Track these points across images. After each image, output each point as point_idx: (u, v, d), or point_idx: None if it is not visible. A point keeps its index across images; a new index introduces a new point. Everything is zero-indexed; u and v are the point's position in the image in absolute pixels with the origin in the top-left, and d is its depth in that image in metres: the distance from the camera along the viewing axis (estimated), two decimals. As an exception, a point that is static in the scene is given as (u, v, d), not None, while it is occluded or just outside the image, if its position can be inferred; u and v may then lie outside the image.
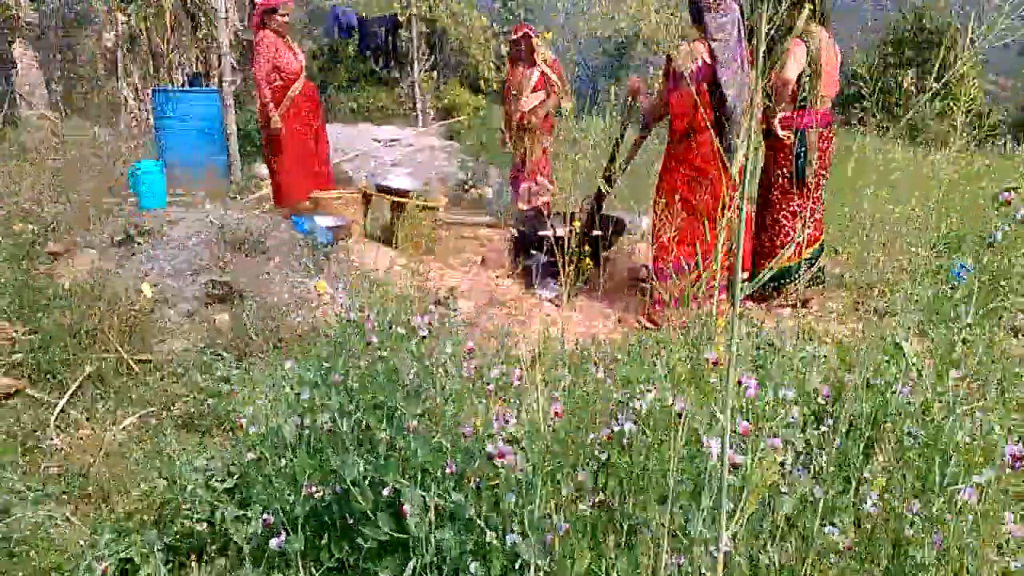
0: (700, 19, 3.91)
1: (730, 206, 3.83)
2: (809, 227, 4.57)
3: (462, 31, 17.30)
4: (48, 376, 3.00)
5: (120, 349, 3.24)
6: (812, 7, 4.35)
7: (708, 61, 3.89)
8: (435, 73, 17.71)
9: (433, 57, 16.56)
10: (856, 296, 4.93)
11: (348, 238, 5.43)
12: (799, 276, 4.60)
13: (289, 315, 3.77)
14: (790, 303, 4.63)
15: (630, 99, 4.71)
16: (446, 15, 15.66)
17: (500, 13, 22.73)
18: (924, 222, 6.70)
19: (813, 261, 4.63)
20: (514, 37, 6.68)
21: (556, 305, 4.77)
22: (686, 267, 4.22)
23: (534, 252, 5.24)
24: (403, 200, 5.81)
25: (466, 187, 8.25)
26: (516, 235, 5.27)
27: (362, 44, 11.40)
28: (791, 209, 4.51)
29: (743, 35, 3.96)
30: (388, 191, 5.89)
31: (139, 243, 4.05)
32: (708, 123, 3.95)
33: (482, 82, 20.56)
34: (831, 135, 4.52)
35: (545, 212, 5.50)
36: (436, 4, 14.84)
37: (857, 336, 4.11)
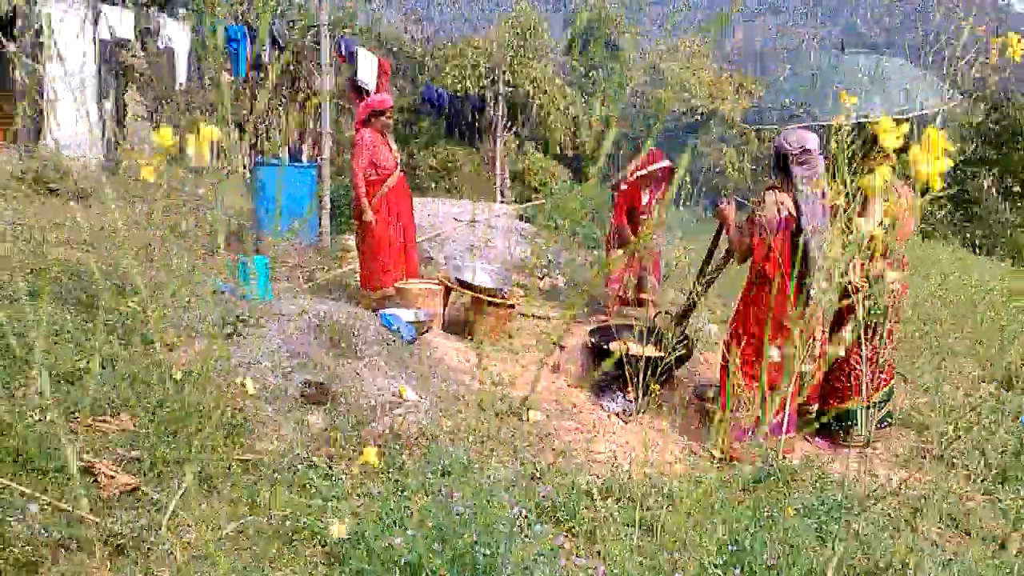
0: (786, 170, 4.10)
1: (808, 349, 3.97)
2: (881, 371, 4.65)
3: (544, 98, 17.91)
4: (159, 473, 3.29)
5: (224, 447, 3.52)
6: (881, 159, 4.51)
7: (792, 212, 4.07)
8: (516, 139, 18.26)
9: (514, 125, 17.14)
10: (923, 439, 4.97)
11: (430, 331, 5.71)
12: (869, 419, 4.67)
13: (375, 419, 4.02)
14: (857, 443, 4.70)
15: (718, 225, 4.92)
16: (527, 81, 16.23)
17: (577, 79, 23.37)
18: (989, 353, 6.67)
19: (882, 404, 4.70)
20: (655, 166, 6.94)
21: (624, 421, 4.93)
22: (755, 403, 4.37)
23: (601, 363, 5.43)
24: (483, 297, 6.08)
25: (540, 276, 8.51)
26: (590, 345, 5.46)
27: (450, 123, 11.91)
28: (862, 353, 4.60)
29: (826, 186, 4.13)
30: (469, 287, 6.16)
31: (243, 336, 4.38)
32: (786, 272, 4.11)
33: (557, 147, 21.11)
34: (906, 284, 4.63)
35: (616, 324, 5.70)
36: (519, 72, 15.40)
37: (921, 488, 4.16)
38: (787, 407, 4.37)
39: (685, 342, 5.15)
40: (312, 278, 7.77)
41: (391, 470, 3.62)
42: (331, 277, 7.77)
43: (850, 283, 4.51)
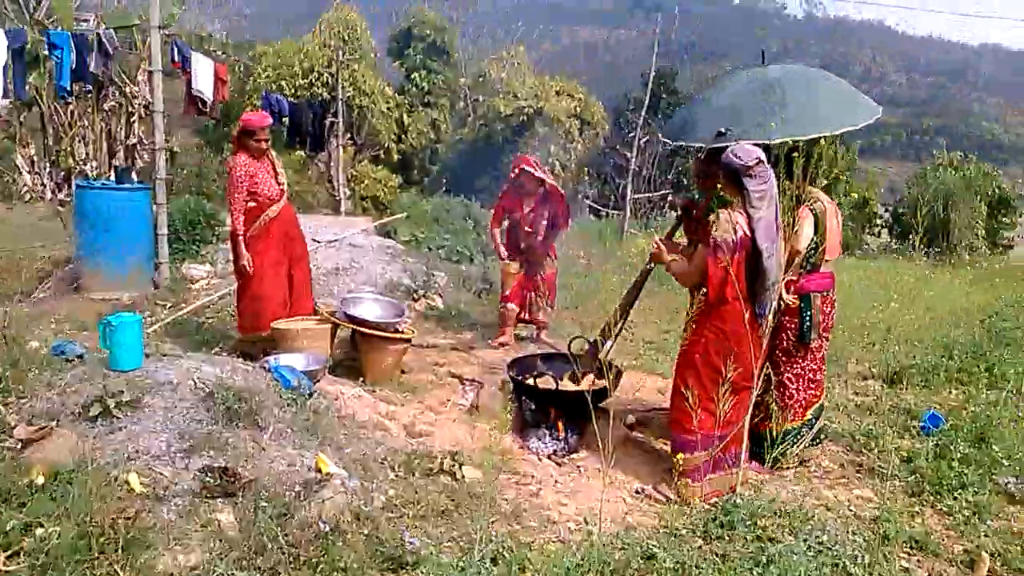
0: (739, 184, 3.86)
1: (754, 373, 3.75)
2: (811, 388, 4.57)
3: (366, 100, 17.22)
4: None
5: (120, 574, 2.77)
6: (799, 171, 4.43)
7: (747, 231, 3.84)
8: (353, 152, 17.47)
9: (352, 138, 16.34)
10: (847, 450, 4.97)
11: (323, 378, 5.05)
12: (801, 438, 4.57)
13: (298, 506, 3.37)
14: (790, 465, 4.59)
15: (650, 264, 4.62)
16: (349, 84, 15.48)
17: (400, 83, 22.79)
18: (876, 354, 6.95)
19: (814, 422, 4.63)
20: (512, 174, 6.82)
21: (557, 463, 4.55)
22: (711, 437, 4.12)
23: (525, 400, 5.03)
24: (376, 334, 5.48)
25: (415, 296, 7.96)
26: (510, 380, 5.03)
27: (291, 131, 11.01)
28: (795, 371, 4.50)
29: (777, 203, 3.94)
30: (360, 322, 5.54)
31: (118, 417, 3.56)
32: (741, 293, 3.88)
33: (382, 152, 20.42)
34: (833, 298, 4.57)
35: (535, 355, 5.31)
36: (340, 74, 14.64)
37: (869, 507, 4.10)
38: (744, 437, 4.17)
39: (611, 371, 4.83)
40: (157, 319, 6.78)
41: (336, 575, 3.01)
42: (176, 318, 6.82)
43: (783, 302, 4.39)
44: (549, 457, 4.59)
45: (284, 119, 10.75)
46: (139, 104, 12.83)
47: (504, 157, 24.51)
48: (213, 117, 9.16)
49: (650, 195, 14.30)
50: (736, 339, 3.93)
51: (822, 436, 4.77)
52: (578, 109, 24.32)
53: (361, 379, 5.59)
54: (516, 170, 6.82)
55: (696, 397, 3.99)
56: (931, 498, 4.29)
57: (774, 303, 4.00)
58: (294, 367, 4.66)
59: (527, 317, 7.09)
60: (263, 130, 5.41)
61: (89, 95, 12.47)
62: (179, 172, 14.45)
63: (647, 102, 12.40)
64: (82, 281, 7.48)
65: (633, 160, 12.18)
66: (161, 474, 3.37)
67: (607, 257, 11.27)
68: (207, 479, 3.39)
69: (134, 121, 13.19)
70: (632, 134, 12.90)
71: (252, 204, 5.35)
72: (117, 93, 12.85)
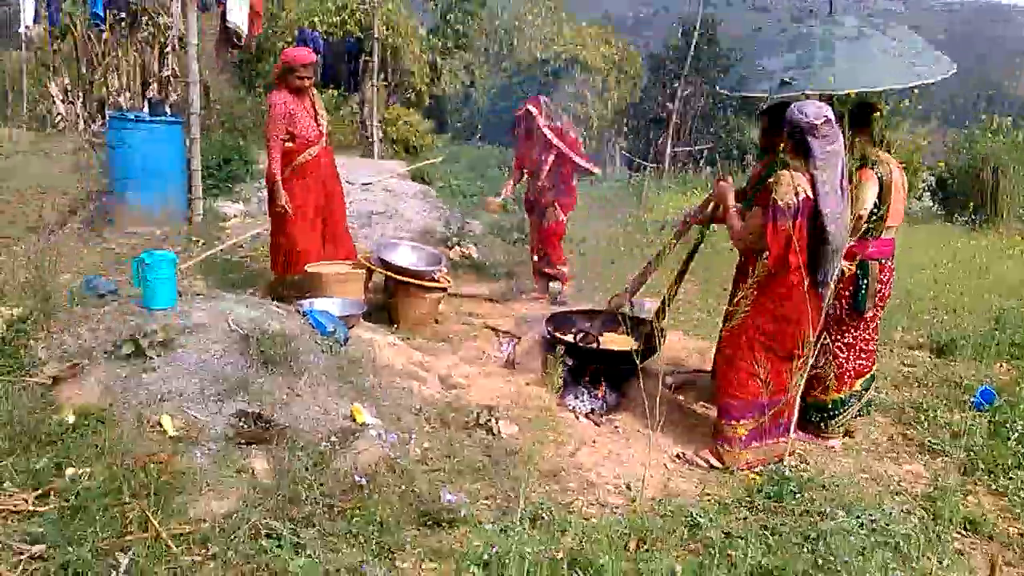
0: (804, 146, 3.62)
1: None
2: (862, 358, 4.37)
3: (398, 40, 16.86)
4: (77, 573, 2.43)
5: (152, 520, 2.69)
6: (871, 132, 4.17)
7: (810, 194, 3.61)
8: (387, 94, 17.18)
9: (385, 79, 16.03)
10: (898, 427, 4.78)
11: (357, 324, 4.93)
12: (849, 408, 4.40)
13: (333, 456, 3.27)
14: (836, 435, 4.43)
15: (710, 208, 4.43)
16: (384, 25, 15.13)
17: (440, 27, 22.34)
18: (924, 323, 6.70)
19: (862, 393, 4.44)
20: (518, 114, 6.48)
21: (595, 423, 4.42)
22: (759, 404, 3.96)
23: (563, 356, 4.87)
24: (413, 282, 5.34)
25: (450, 244, 7.80)
26: (547, 337, 4.87)
27: (326, 70, 10.77)
28: (845, 340, 4.30)
29: (844, 164, 3.70)
30: (396, 270, 5.40)
31: (151, 357, 3.46)
32: (802, 261, 3.67)
33: (413, 95, 20.10)
34: (892, 267, 4.34)
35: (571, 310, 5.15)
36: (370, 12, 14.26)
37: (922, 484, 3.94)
38: (794, 407, 4.00)
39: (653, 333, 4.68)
40: (190, 256, 6.69)
41: (371, 528, 2.92)
42: (209, 256, 6.72)
43: (842, 269, 4.18)
44: (587, 416, 4.46)
45: (318, 56, 10.49)
46: (172, 35, 12.61)
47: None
48: (249, 51, 8.94)
49: (690, 148, 13.91)
50: (794, 308, 3.73)
51: (870, 407, 4.58)
52: (616, 58, 23.76)
53: (395, 327, 5.48)
54: (521, 112, 6.48)
55: (746, 363, 3.82)
56: (985, 477, 4.11)
57: (837, 271, 3.78)
58: (329, 312, 4.54)
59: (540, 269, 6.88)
60: (306, 67, 5.20)
61: (123, 24, 12.27)
62: (212, 108, 14.27)
63: (691, 51, 11.94)
64: (114, 215, 7.39)
65: (674, 112, 11.77)
66: (195, 417, 3.28)
67: (642, 212, 11.02)
68: (241, 424, 3.30)
69: (167, 53, 13.00)
70: (674, 85, 12.48)
71: (289, 145, 5.18)
72: (150, 24, 12.63)
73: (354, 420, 3.62)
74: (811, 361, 3.96)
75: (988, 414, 4.80)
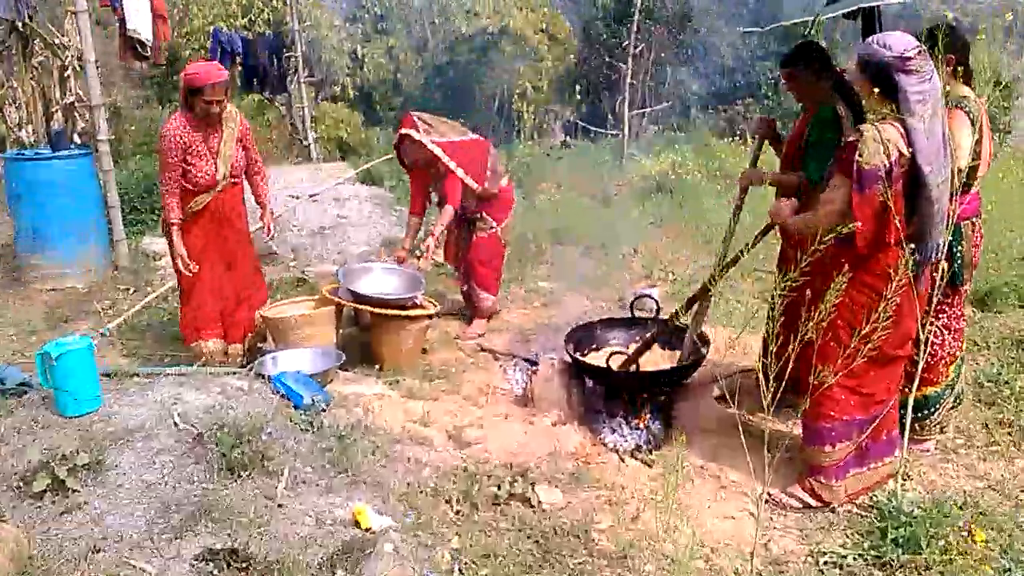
0: (891, 85, 2.82)
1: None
2: (956, 340, 3.64)
3: (314, 32, 15.75)
4: None
5: None
6: (957, 63, 3.41)
7: (904, 150, 2.82)
8: (315, 91, 16.08)
9: (311, 75, 14.92)
10: (984, 409, 4.09)
11: (335, 378, 4.05)
12: (944, 402, 3.68)
13: (341, 592, 2.42)
14: (932, 435, 3.71)
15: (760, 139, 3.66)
16: (298, 17, 13.98)
17: (355, 13, 21.21)
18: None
19: (956, 380, 3.72)
20: (394, 142, 5.22)
21: (647, 464, 3.62)
22: (855, 422, 3.21)
23: (590, 383, 4.07)
24: (390, 313, 4.46)
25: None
26: (569, 360, 4.05)
27: (247, 71, 9.69)
28: (941, 322, 3.55)
29: (943, 106, 2.92)
30: (367, 300, 4.51)
31: (75, 490, 2.55)
32: (901, 235, 2.89)
33: (337, 89, 18.96)
34: (981, 226, 3.60)
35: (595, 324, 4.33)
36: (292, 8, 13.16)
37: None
38: (896, 419, 3.26)
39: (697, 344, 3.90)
40: (119, 312, 5.68)
41: None
42: (140, 307, 5.71)
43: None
44: (633, 455, 3.66)
45: (238, 58, 9.40)
46: (71, 56, 11.35)
47: (473, 82, 23.07)
48: (157, 62, 7.85)
49: (647, 110, 13.13)
50: (900, 296, 2.93)
51: (962, 397, 3.86)
52: (544, 24, 22.82)
53: (377, 367, 4.60)
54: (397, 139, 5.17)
55: (834, 373, 3.03)
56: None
57: (944, 243, 3.01)
58: (301, 372, 3.65)
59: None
60: (215, 88, 3.96)
61: (12, 49, 10.97)
62: (126, 131, 13.05)
63: (637, 5, 11.12)
64: (24, 271, 6.33)
65: (627, 72, 10.96)
66: (142, 571, 2.38)
67: (606, 185, 10.21)
68: (211, 571, 2.41)
69: (68, 77, 11.73)
70: (623, 44, 11.66)
71: (184, 189, 4.09)
72: (44, 46, 11.33)
73: (358, 526, 2.76)
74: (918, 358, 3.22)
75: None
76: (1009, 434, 3.79)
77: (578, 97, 15.92)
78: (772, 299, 3.10)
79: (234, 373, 3.68)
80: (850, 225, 2.77)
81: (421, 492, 3.12)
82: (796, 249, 3.42)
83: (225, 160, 4.13)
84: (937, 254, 2.98)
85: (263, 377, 3.64)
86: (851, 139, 2.88)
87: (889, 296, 2.77)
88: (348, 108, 19.97)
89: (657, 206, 8.74)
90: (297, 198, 7.47)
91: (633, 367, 3.73)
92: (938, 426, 3.72)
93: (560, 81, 20.49)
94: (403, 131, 5.02)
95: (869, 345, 2.82)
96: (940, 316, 3.53)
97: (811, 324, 2.78)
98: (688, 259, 7.03)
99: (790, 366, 2.26)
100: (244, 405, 3.15)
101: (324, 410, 3.47)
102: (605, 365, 3.69)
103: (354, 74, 21.01)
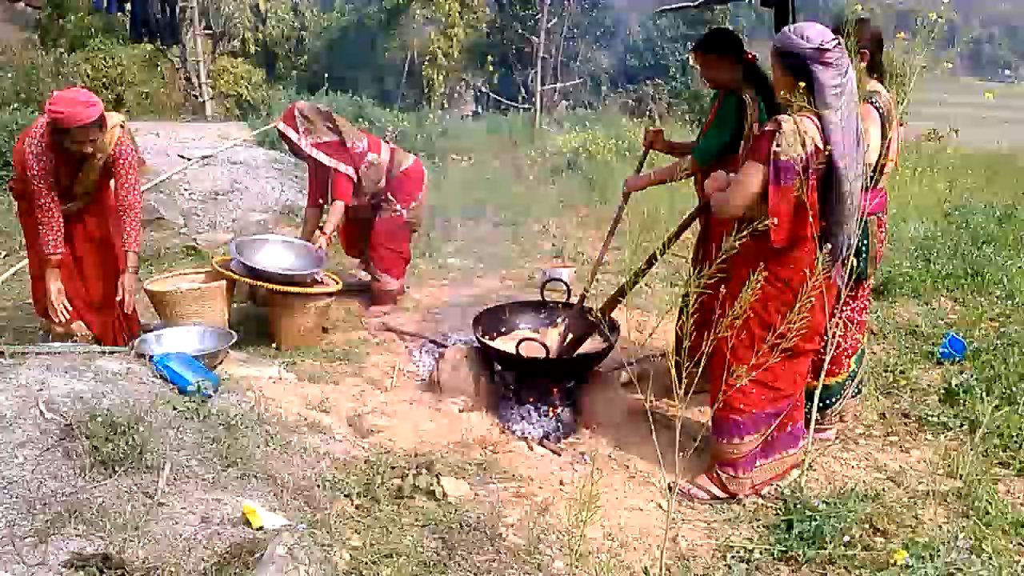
0: (808, 77, 2.78)
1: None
2: (857, 332, 3.69)
3: None
4: None
5: None
6: (869, 57, 3.42)
7: (819, 143, 2.79)
8: (212, 45, 15.28)
9: (208, 27, 14.16)
10: (881, 399, 4.18)
11: (226, 358, 3.78)
12: (844, 392, 3.74)
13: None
14: (832, 424, 3.77)
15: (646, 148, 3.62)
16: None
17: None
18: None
19: (856, 371, 3.78)
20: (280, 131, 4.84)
21: (555, 452, 3.53)
22: (763, 416, 3.19)
23: (499, 368, 3.94)
24: (289, 290, 4.20)
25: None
26: (478, 344, 3.89)
27: (136, 19, 9.01)
28: (845, 315, 3.58)
29: (857, 100, 2.89)
30: (263, 276, 4.22)
31: (-86, 491, 2.23)
32: (815, 230, 2.88)
33: (239, 43, 18.13)
34: (886, 220, 3.65)
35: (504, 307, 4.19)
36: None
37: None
38: (802, 411, 3.28)
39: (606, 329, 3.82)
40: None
41: None
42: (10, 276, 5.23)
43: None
44: (542, 443, 3.56)
45: (126, 4, 8.71)
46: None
47: (381, 43, 22.39)
48: (33, 5, 7.17)
49: (558, 85, 13.02)
50: (799, 288, 2.92)
51: (862, 387, 3.94)
52: (457, -11, 22.36)
53: (273, 346, 4.34)
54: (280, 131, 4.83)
55: (744, 366, 2.99)
56: (1003, 454, 3.57)
57: (855, 239, 3.01)
58: (185, 354, 3.36)
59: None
60: (84, 130, 3.43)
61: None
62: (3, 76, 12.03)
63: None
64: None
65: (540, 45, 10.80)
66: (-2, 583, 2.11)
67: (518, 158, 10.08)
68: (78, 579, 2.16)
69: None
70: (537, 15, 11.48)
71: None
72: None
73: (249, 525, 2.55)
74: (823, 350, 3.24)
75: (970, 370, 4.31)
76: (905, 425, 3.89)
77: (491, 68, 15.65)
78: (685, 294, 3.05)
79: (111, 353, 3.36)
80: (766, 222, 2.73)
81: (318, 486, 2.92)
82: (712, 243, 3.39)
83: (86, 185, 3.72)
84: (848, 250, 2.98)
85: (144, 358, 3.34)
86: (768, 128, 2.83)
87: (802, 291, 2.76)
88: (249, 64, 19.08)
89: (567, 182, 8.67)
90: (188, 159, 6.99)
91: (543, 354, 3.61)
92: (838, 415, 3.78)
93: (471, 50, 20.16)
94: (279, 127, 4.76)
95: (781, 341, 2.81)
96: (844, 309, 3.56)
97: (725, 322, 2.74)
98: (598, 238, 6.98)
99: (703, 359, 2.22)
100: (121, 391, 2.86)
101: (212, 395, 3.20)
102: (515, 352, 3.55)
103: (256, 29, 20.10)
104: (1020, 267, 5.88)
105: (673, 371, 2.26)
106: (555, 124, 11.81)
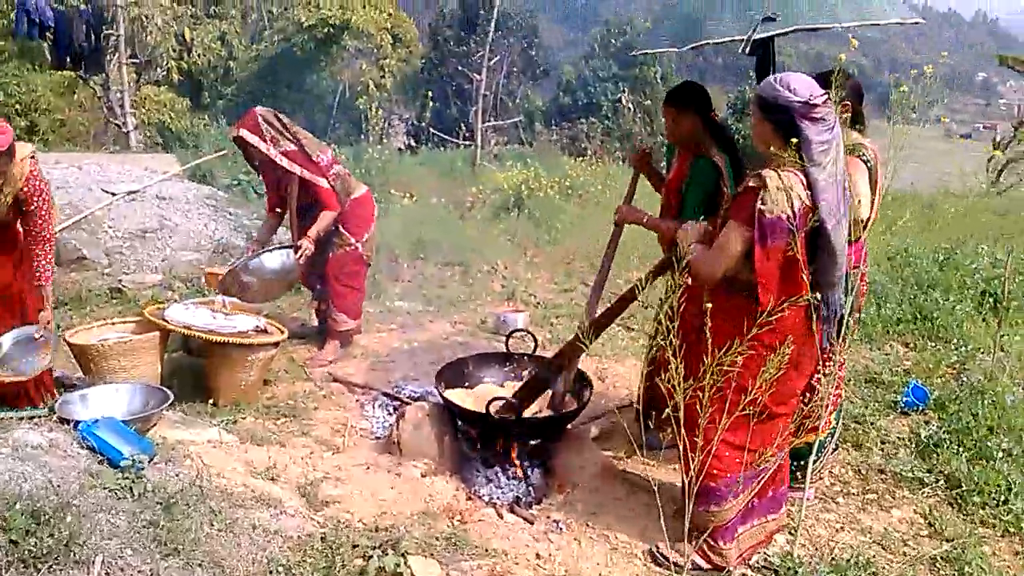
0: (795, 133, 2.63)
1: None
2: (838, 388, 3.57)
3: (137, 10, 14.49)
4: None
5: None
6: (851, 108, 3.34)
7: (806, 201, 2.65)
8: (137, 73, 14.71)
9: (133, 55, 13.59)
10: (852, 451, 4.07)
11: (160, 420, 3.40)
12: (824, 450, 3.60)
13: None
14: (810, 484, 3.62)
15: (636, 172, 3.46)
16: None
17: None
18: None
19: (835, 428, 3.65)
20: (232, 136, 4.62)
21: (527, 520, 3.27)
22: (745, 480, 3.00)
23: (464, 428, 3.66)
24: (229, 341, 3.85)
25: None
26: (443, 402, 3.61)
27: (60, 46, 8.50)
28: (826, 370, 3.45)
29: (843, 155, 2.77)
30: (198, 326, 3.86)
31: None
32: (804, 290, 2.73)
33: (162, 72, 17.57)
34: (866, 273, 3.55)
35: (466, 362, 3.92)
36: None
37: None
38: (785, 473, 3.11)
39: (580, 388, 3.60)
40: None
41: None
42: None
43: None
44: (512, 510, 3.29)
45: (48, 32, 8.21)
46: None
47: (311, 74, 22.00)
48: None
49: (499, 123, 12.92)
50: (790, 356, 2.75)
51: (838, 442, 3.82)
52: (389, 24, 22.23)
53: (211, 402, 3.97)
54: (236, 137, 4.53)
55: (725, 432, 2.78)
56: (981, 511, 3.47)
57: (842, 298, 2.87)
58: (114, 419, 2.98)
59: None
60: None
61: None
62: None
63: (494, 16, 10.88)
64: None
65: (482, 83, 10.69)
66: None
67: (461, 195, 9.87)
68: None
69: None
70: (478, 52, 11.38)
71: None
72: None
73: (195, 627, 2.20)
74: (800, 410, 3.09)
75: (939, 420, 4.25)
76: (883, 481, 3.78)
77: (430, 102, 15.49)
78: (650, 349, 2.81)
79: (30, 418, 2.96)
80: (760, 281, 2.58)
81: (271, 573, 2.58)
82: (686, 292, 3.20)
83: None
84: (840, 309, 2.84)
85: (67, 423, 2.95)
86: (751, 184, 2.66)
87: (782, 355, 2.61)
88: (172, 93, 18.45)
89: (514, 221, 8.49)
90: (113, 194, 6.52)
91: (513, 413, 3.36)
92: (817, 475, 3.64)
93: (405, 83, 19.98)
94: (241, 133, 4.42)
95: (756, 403, 2.66)
96: (825, 365, 3.44)
97: (703, 383, 2.57)
98: (549, 280, 6.81)
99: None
100: (43, 469, 2.48)
101: (146, 467, 2.84)
102: (484, 411, 3.29)
103: (181, 58, 19.52)
104: (968, 312, 5.93)
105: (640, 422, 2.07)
106: (495, 160, 11.67)
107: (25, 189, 3.32)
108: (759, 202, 2.61)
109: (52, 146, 11.48)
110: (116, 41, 10.37)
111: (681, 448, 2.82)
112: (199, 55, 20.81)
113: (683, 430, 2.66)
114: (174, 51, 18.32)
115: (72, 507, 2.32)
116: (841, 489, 3.72)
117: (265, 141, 4.38)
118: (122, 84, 10.74)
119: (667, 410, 2.54)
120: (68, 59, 8.93)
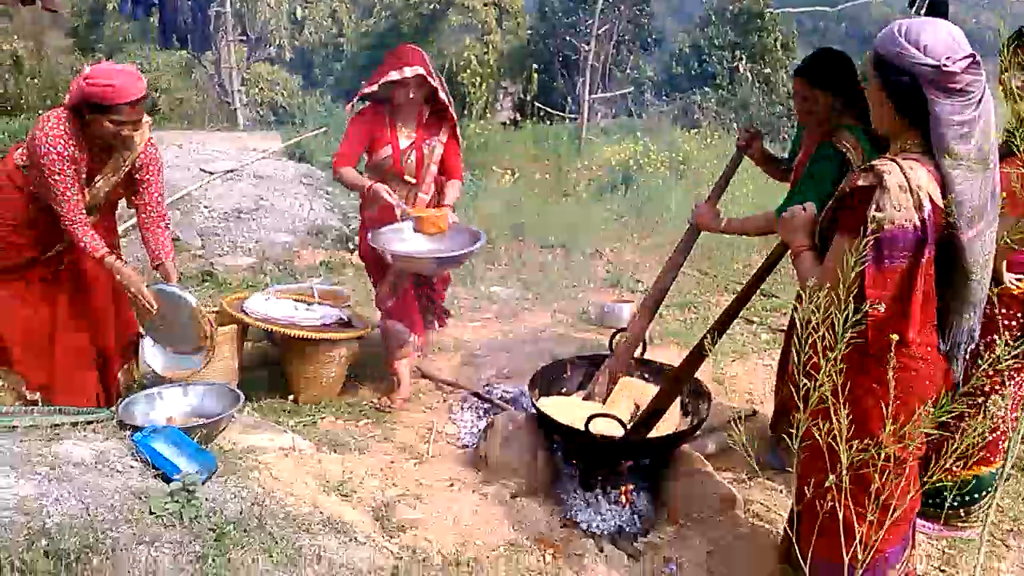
0: (921, 112, 1.91)
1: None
2: (1018, 411, 2.93)
3: None
4: None
5: None
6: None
7: (939, 202, 1.97)
8: (246, 51, 14.88)
9: (243, 34, 13.75)
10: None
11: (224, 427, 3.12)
12: (997, 483, 2.97)
13: None
14: (976, 523, 3.02)
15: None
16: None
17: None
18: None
19: (1005, 460, 3.00)
20: (390, 77, 3.53)
21: (633, 556, 2.81)
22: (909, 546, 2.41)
23: (556, 445, 3.23)
24: (308, 337, 3.55)
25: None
26: (536, 414, 3.19)
27: (165, 25, 8.49)
28: (1004, 391, 2.82)
29: (995, 144, 2.05)
30: (278, 320, 3.58)
31: None
32: (931, 320, 2.07)
33: (274, 50, 17.75)
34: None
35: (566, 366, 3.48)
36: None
37: None
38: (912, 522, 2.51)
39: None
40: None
41: None
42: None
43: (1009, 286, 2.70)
44: (614, 542, 2.85)
45: (153, 8, 8.21)
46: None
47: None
48: (49, 8, 6.64)
49: (608, 94, 12.32)
50: (915, 396, 2.10)
51: (1009, 473, 3.17)
52: (494, -1, 21.80)
53: (291, 397, 3.71)
54: (386, 72, 3.54)
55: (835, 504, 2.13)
56: None
57: (975, 329, 2.18)
58: (175, 429, 2.70)
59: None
60: (135, 106, 2.88)
61: None
62: (28, 84, 11.73)
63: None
64: None
65: (590, 53, 10.11)
66: None
67: (565, 172, 9.38)
68: None
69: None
70: (589, 22, 10.78)
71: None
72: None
73: None
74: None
75: None
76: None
77: (536, 74, 14.99)
78: (792, 361, 2.19)
79: (88, 423, 2.72)
80: (872, 307, 1.94)
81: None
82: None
83: (96, 194, 3.11)
84: (972, 342, 2.16)
85: (125, 429, 2.69)
86: (861, 183, 1.93)
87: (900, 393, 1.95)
88: (285, 71, 18.72)
89: (620, 200, 7.96)
90: (211, 173, 6.40)
91: (616, 431, 2.90)
92: (985, 513, 3.02)
93: (511, 56, 19.54)
94: (421, 71, 3.54)
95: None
96: (1006, 383, 2.81)
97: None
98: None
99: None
100: (80, 493, 2.20)
101: (205, 481, 2.55)
102: (584, 428, 2.85)
103: (293, 36, 19.77)
104: None
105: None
106: (602, 134, 11.09)
107: (143, 157, 3.14)
108: (873, 207, 1.90)
109: (167, 125, 11.72)
110: (225, 20, 10.36)
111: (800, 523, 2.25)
112: (311, 33, 21.05)
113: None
114: (286, 29, 18.54)
115: (105, 543, 2.02)
116: (1012, 528, 3.09)
117: (432, 78, 3.60)
118: (231, 62, 10.76)
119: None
120: (175, 37, 8.91)
